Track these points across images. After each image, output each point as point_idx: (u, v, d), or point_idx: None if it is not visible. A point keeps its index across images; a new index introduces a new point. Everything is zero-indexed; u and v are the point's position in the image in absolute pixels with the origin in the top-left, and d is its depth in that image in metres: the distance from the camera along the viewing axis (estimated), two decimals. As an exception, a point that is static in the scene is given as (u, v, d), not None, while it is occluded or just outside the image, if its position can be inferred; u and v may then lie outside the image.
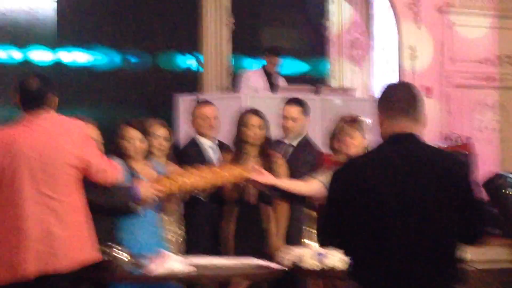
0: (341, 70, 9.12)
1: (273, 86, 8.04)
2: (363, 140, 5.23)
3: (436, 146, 7.29)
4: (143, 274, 4.42)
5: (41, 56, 8.22)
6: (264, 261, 4.73)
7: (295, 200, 5.53)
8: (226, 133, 5.87)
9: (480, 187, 5.66)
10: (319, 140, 6.15)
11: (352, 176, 3.07)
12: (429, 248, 3.00)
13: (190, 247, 5.42)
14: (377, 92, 3.54)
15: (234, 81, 8.49)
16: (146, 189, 4.65)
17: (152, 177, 4.92)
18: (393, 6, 8.50)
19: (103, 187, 4.39)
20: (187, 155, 5.74)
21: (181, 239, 5.42)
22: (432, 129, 8.21)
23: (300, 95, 6.46)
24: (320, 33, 9.22)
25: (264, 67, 8.16)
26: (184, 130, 6.74)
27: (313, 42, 9.37)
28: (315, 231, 5.34)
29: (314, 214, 5.57)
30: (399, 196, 3.00)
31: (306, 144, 5.84)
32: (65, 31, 8.25)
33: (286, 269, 4.73)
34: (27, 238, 4.06)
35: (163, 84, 8.76)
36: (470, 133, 8.32)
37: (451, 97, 8.45)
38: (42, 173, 4.14)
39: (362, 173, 3.04)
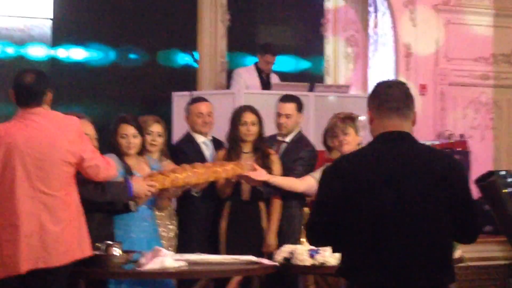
0: (336, 68, 9.13)
1: (266, 84, 8.05)
2: (357, 137, 5.25)
3: (429, 144, 7.32)
4: (136, 270, 4.43)
5: (37, 52, 8.23)
6: (256, 257, 4.75)
7: (289, 196, 5.55)
8: (220, 130, 5.88)
9: (473, 184, 5.70)
10: (314, 137, 6.17)
11: (343, 174, 3.06)
12: (422, 247, 3.00)
13: (183, 243, 5.43)
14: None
15: (229, 78, 8.49)
16: (139, 184, 4.66)
17: (147, 173, 4.93)
18: (389, 3, 8.51)
19: (96, 183, 4.40)
20: (181, 151, 5.76)
21: (174, 235, 5.43)
22: (426, 126, 8.22)
23: (294, 92, 6.48)
24: (315, 31, 9.23)
25: (257, 64, 8.15)
26: (180, 127, 6.75)
27: (309, 39, 9.38)
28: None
29: (308, 211, 5.60)
30: (392, 195, 2.99)
31: (300, 140, 5.85)
32: (61, 28, 8.24)
33: (278, 264, 4.75)
34: (20, 233, 4.07)
35: (158, 81, 8.76)
36: (464, 130, 8.33)
37: (446, 94, 8.46)
38: (36, 169, 4.15)
39: (354, 172, 3.04)
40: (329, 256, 4.58)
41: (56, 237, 4.11)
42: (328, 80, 9.08)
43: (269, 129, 5.85)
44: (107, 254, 4.39)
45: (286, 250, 4.82)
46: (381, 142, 3.11)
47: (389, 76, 8.56)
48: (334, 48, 9.15)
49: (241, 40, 8.91)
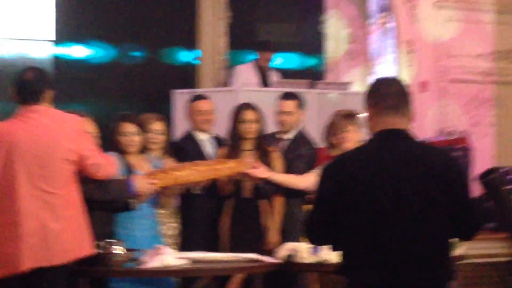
0: (337, 65, 9.12)
1: (265, 81, 8.04)
2: (358, 134, 5.25)
3: (429, 142, 7.31)
4: (138, 268, 4.43)
5: (38, 50, 8.23)
6: (259, 255, 4.75)
7: (291, 194, 5.55)
8: (221, 127, 5.88)
9: (476, 181, 5.69)
10: (315, 135, 6.17)
11: (342, 172, 3.05)
12: (421, 244, 2.99)
13: (185, 241, 5.43)
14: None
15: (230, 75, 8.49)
16: (141, 183, 4.66)
17: (148, 171, 4.94)
18: (390, 1, 8.50)
19: (98, 181, 4.40)
20: (183, 149, 5.76)
21: (176, 233, 5.43)
22: (428, 123, 8.22)
23: (295, 90, 6.48)
24: (316, 28, 9.22)
25: (256, 62, 8.14)
26: (181, 125, 6.75)
27: (309, 37, 9.37)
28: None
29: (310, 208, 5.59)
30: (391, 193, 2.99)
31: (301, 138, 5.85)
32: (63, 25, 8.24)
33: (281, 262, 4.75)
34: (22, 232, 4.07)
35: (159, 78, 8.75)
36: (466, 127, 8.33)
37: (448, 91, 8.45)
38: (37, 167, 4.14)
39: (352, 170, 3.03)
40: (332, 254, 4.58)
41: (57, 236, 4.10)
42: (329, 77, 9.07)
43: (270, 127, 5.85)
44: (108, 253, 4.39)
45: (288, 247, 4.82)
46: (379, 140, 3.11)
47: (391, 72, 8.55)
48: (335, 45, 9.14)
49: (241, 38, 8.90)
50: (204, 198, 5.56)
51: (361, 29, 9.07)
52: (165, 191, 4.96)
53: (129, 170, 4.94)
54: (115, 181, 4.55)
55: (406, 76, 8.24)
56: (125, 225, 4.85)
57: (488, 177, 5.57)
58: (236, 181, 5.46)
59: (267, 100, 6.35)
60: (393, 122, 3.10)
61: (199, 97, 6.01)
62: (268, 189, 5.49)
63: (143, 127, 5.16)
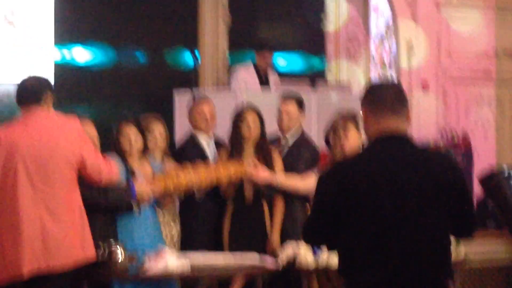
0: (338, 66, 9.12)
1: (265, 82, 8.03)
2: (359, 135, 5.24)
3: (429, 143, 7.29)
4: (139, 272, 4.43)
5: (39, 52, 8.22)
6: (260, 258, 4.75)
7: (292, 196, 5.54)
8: (221, 128, 5.88)
9: (477, 182, 5.69)
10: (316, 136, 6.16)
11: (341, 177, 3.05)
12: (420, 246, 3.00)
13: (186, 244, 5.42)
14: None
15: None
16: (142, 186, 4.66)
17: (149, 174, 4.93)
18: (390, 0, 8.49)
19: (99, 185, 4.39)
20: (184, 151, 5.75)
21: (177, 236, 5.43)
22: (428, 123, 8.21)
23: (296, 90, 6.47)
24: (317, 29, 9.22)
25: (256, 62, 8.11)
26: (182, 126, 6.74)
27: (310, 38, 9.37)
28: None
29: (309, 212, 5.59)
30: (391, 196, 2.99)
31: (302, 140, 5.84)
32: (63, 28, 8.24)
33: (282, 265, 4.75)
34: (22, 236, 4.06)
35: (160, 79, 8.76)
36: (467, 127, 8.32)
37: (448, 91, 8.44)
38: (38, 171, 4.14)
39: (352, 175, 3.03)
40: (333, 257, 4.57)
41: (59, 240, 4.10)
42: (330, 78, 9.07)
43: (270, 127, 5.84)
44: (110, 256, 4.38)
45: (289, 250, 4.81)
46: (379, 144, 3.10)
47: (391, 73, 8.55)
48: (336, 45, 9.14)
49: (242, 38, 8.90)
50: (205, 201, 5.55)
51: (362, 29, 9.07)
52: (165, 194, 4.95)
53: (131, 173, 4.93)
54: (116, 184, 4.55)
55: (407, 76, 8.23)
56: (125, 229, 4.84)
57: (489, 178, 5.55)
58: (237, 183, 5.45)
59: (267, 101, 6.34)
60: (392, 124, 3.10)
61: (200, 99, 6.00)
62: (269, 191, 5.48)
63: (144, 130, 5.16)
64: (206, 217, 5.63)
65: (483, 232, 6.70)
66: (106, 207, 4.53)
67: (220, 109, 6.05)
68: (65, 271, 4.11)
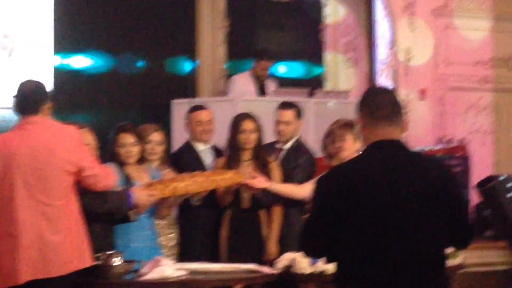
0: (336, 73, 9.13)
1: (263, 90, 8.03)
2: (356, 143, 5.25)
3: (425, 150, 7.29)
4: (136, 279, 4.43)
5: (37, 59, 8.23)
6: (257, 265, 4.75)
7: (289, 204, 5.55)
8: (220, 137, 5.89)
9: (475, 189, 5.70)
10: (313, 144, 6.17)
11: (338, 184, 3.06)
12: (417, 255, 3.01)
13: (183, 252, 5.43)
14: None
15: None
16: (139, 194, 4.66)
17: (147, 182, 4.94)
18: (388, 8, 8.52)
19: (96, 193, 4.40)
20: (181, 160, 5.76)
21: (174, 244, 5.43)
22: (426, 131, 8.23)
23: (294, 98, 6.48)
24: (315, 36, 9.23)
25: (253, 71, 8.11)
26: (180, 134, 6.75)
27: (308, 45, 9.38)
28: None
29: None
30: (387, 203, 3.00)
31: (299, 147, 5.85)
32: (61, 36, 8.25)
33: (280, 273, 4.75)
34: (19, 244, 4.06)
35: (158, 88, 8.76)
36: (464, 135, 8.34)
37: (446, 99, 8.47)
38: (35, 179, 4.14)
39: (348, 181, 3.04)
40: (329, 265, 4.57)
41: (56, 248, 4.10)
42: (328, 86, 9.08)
43: (268, 136, 5.85)
44: (107, 264, 4.39)
45: (286, 258, 4.82)
46: (373, 151, 3.12)
47: (389, 81, 8.56)
48: (334, 54, 9.16)
49: (240, 47, 8.91)
50: (203, 209, 5.55)
51: (360, 38, 9.09)
52: (164, 202, 4.96)
53: (128, 181, 4.94)
54: (114, 192, 4.55)
55: (404, 85, 8.25)
56: (124, 236, 4.85)
57: (486, 185, 5.57)
58: (235, 191, 5.46)
59: (265, 109, 6.35)
60: (386, 132, 3.12)
61: (198, 107, 6.01)
62: (266, 199, 5.49)
63: (141, 138, 5.17)
64: (204, 224, 5.64)
65: (481, 242, 6.72)
66: (103, 215, 4.54)
67: (218, 118, 6.06)
68: (62, 278, 4.11)
